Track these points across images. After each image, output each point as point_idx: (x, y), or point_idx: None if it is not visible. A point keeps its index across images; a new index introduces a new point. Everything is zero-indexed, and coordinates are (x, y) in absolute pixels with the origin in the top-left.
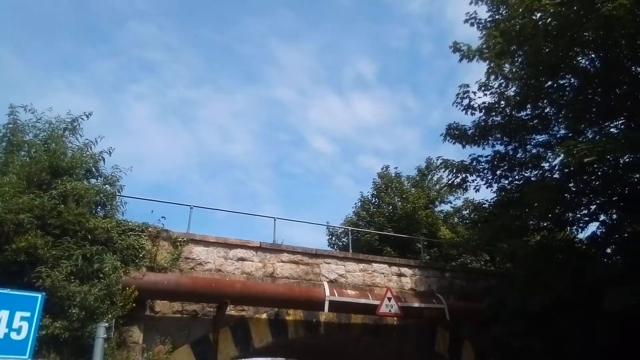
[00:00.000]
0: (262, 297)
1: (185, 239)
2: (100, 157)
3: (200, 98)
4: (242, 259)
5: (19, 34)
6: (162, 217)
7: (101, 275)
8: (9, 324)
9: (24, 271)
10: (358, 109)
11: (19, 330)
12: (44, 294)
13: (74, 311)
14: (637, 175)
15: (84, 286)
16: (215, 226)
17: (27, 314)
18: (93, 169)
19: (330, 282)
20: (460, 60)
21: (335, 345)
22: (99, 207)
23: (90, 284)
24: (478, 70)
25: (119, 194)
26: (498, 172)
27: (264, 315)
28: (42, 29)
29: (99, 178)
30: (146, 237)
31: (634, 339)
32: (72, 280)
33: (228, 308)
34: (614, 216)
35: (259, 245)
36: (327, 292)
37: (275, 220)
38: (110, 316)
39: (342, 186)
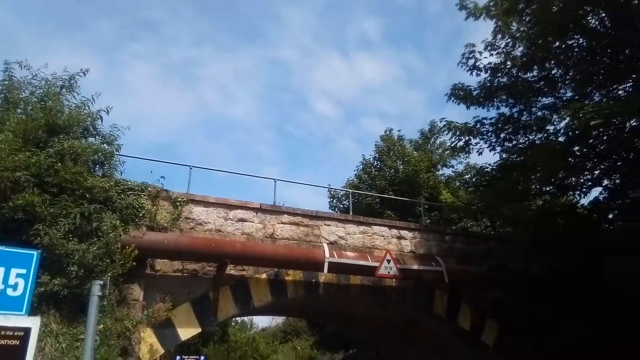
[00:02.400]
0: (262, 258)
1: (185, 199)
2: (98, 116)
3: (202, 57)
4: (242, 220)
5: None
6: (162, 177)
7: (100, 234)
8: (5, 281)
9: (22, 229)
10: (362, 69)
11: (15, 287)
12: (39, 251)
13: (72, 269)
14: None
15: (83, 244)
16: (215, 187)
17: (23, 271)
18: (90, 127)
19: (330, 243)
20: (467, 18)
21: (334, 305)
22: (97, 166)
23: (89, 242)
24: (484, 30)
25: (117, 153)
26: (502, 135)
27: (264, 275)
28: None
29: (97, 137)
30: (145, 197)
31: (634, 304)
32: (71, 239)
33: (228, 268)
34: (617, 181)
35: (259, 206)
36: (327, 254)
37: (275, 181)
38: (109, 274)
39: (344, 149)
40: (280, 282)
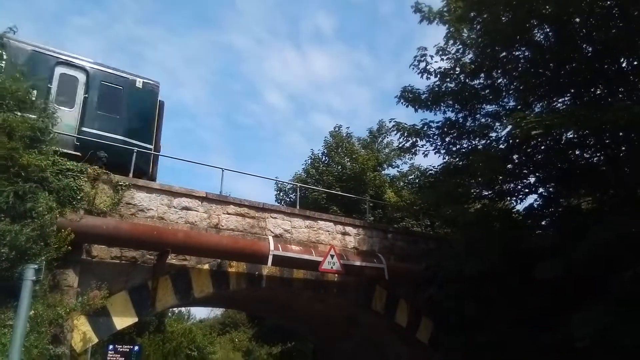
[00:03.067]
0: (206, 248)
1: (127, 183)
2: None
3: (150, 37)
4: (186, 208)
5: None
6: (103, 156)
7: (34, 215)
8: None
9: None
10: (314, 63)
11: None
12: None
13: (3, 250)
14: (577, 152)
15: (15, 225)
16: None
17: None
18: (27, 100)
19: (276, 236)
20: (421, 21)
21: (276, 298)
22: (35, 143)
23: (22, 223)
24: (434, 36)
25: (55, 131)
26: (447, 139)
27: (206, 266)
28: None
29: (34, 111)
30: (85, 179)
31: (559, 305)
32: (2, 219)
33: (169, 257)
34: (551, 190)
35: (205, 195)
36: (272, 247)
37: (223, 171)
38: (42, 258)
39: (293, 143)
40: (222, 274)
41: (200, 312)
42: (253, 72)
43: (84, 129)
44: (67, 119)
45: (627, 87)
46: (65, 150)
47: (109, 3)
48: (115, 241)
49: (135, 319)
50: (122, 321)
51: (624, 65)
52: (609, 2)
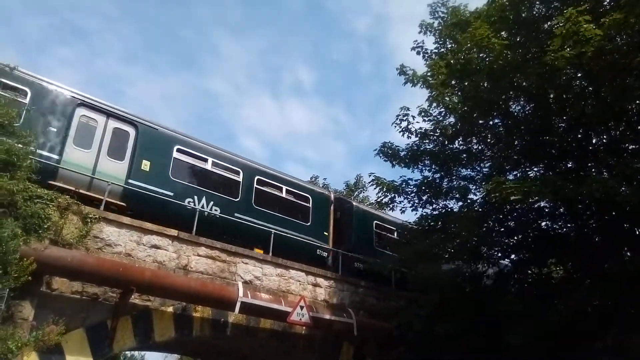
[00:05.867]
0: (172, 290)
1: (97, 216)
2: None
3: (131, 75)
4: (155, 247)
5: None
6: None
7: None
8: None
9: None
10: (292, 115)
11: None
12: None
13: None
14: (548, 222)
15: None
16: None
17: None
18: (6, 122)
19: (245, 282)
20: (405, 83)
21: (239, 347)
22: (9, 167)
23: None
24: (410, 99)
25: (32, 157)
26: (424, 197)
27: (170, 309)
28: None
29: (12, 136)
30: (54, 208)
31: None
32: None
33: (133, 296)
34: (522, 257)
35: (176, 234)
36: (241, 293)
37: (197, 211)
38: (0, 286)
39: None
40: (186, 318)
41: (153, 358)
42: (231, 117)
43: None
44: None
45: (597, 162)
46: None
47: (94, 39)
48: (79, 275)
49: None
50: None
51: (594, 141)
52: (583, 82)
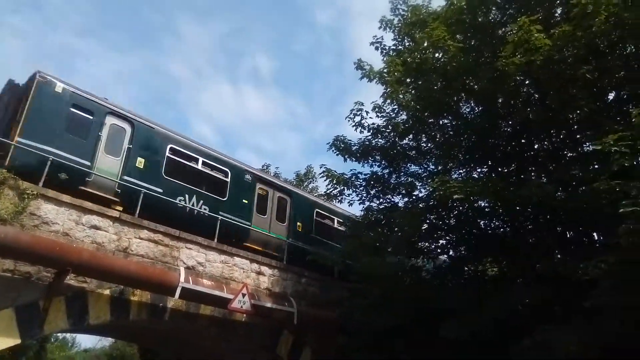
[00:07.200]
0: (111, 272)
1: (35, 192)
2: None
3: (84, 48)
4: (95, 227)
5: None
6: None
7: None
8: None
9: None
10: (248, 102)
11: None
12: None
13: None
14: (486, 221)
15: None
16: None
17: None
18: None
19: (188, 268)
20: (362, 78)
21: (178, 333)
22: None
23: None
24: (367, 94)
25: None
26: (372, 192)
27: (107, 291)
28: None
29: None
30: None
31: None
32: None
33: (69, 277)
34: (459, 254)
35: (118, 216)
36: (182, 278)
37: (142, 193)
38: None
39: None
40: (123, 301)
41: (86, 341)
42: (186, 101)
43: None
44: None
45: (537, 167)
46: None
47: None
48: (12, 252)
49: (18, 341)
50: (2, 341)
51: (536, 146)
52: (531, 89)
